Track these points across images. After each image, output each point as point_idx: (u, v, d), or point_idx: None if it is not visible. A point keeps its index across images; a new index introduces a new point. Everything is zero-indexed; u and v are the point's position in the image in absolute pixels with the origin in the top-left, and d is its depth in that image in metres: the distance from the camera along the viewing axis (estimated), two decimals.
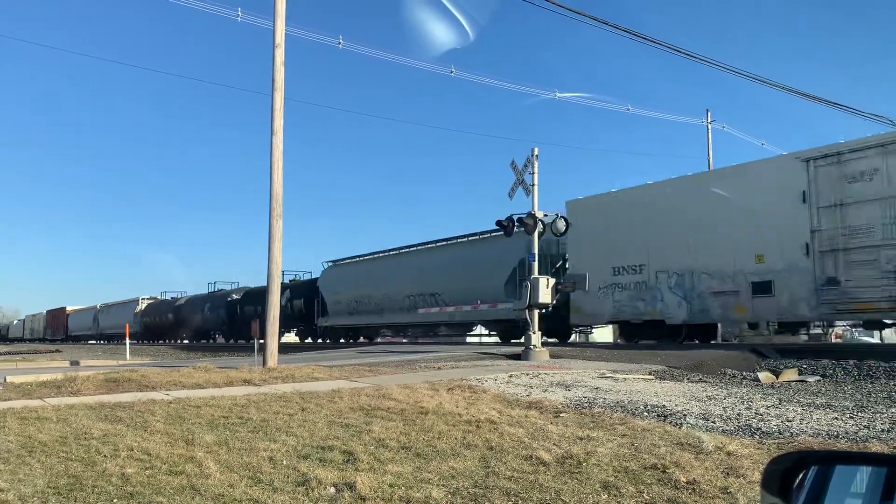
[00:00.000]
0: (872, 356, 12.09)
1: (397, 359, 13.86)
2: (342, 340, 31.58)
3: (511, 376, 10.06)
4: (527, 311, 13.59)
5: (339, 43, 23.57)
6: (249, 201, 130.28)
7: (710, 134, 31.46)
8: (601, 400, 7.70)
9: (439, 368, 11.55)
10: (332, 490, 4.21)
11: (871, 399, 8.31)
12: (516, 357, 13.49)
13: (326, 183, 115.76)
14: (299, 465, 4.72)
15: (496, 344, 21.56)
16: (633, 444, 5.24)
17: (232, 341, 37.35)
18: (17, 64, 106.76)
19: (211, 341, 39.78)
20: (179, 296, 44.94)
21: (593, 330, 24.38)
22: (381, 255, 30.25)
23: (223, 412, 6.92)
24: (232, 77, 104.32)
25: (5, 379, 10.53)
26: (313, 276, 34.82)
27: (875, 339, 21.75)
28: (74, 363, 21.29)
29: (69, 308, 59.94)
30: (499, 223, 14.67)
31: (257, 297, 32.58)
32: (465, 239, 25.64)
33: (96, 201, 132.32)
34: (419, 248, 28.00)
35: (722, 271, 15.53)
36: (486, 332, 25.23)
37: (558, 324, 19.98)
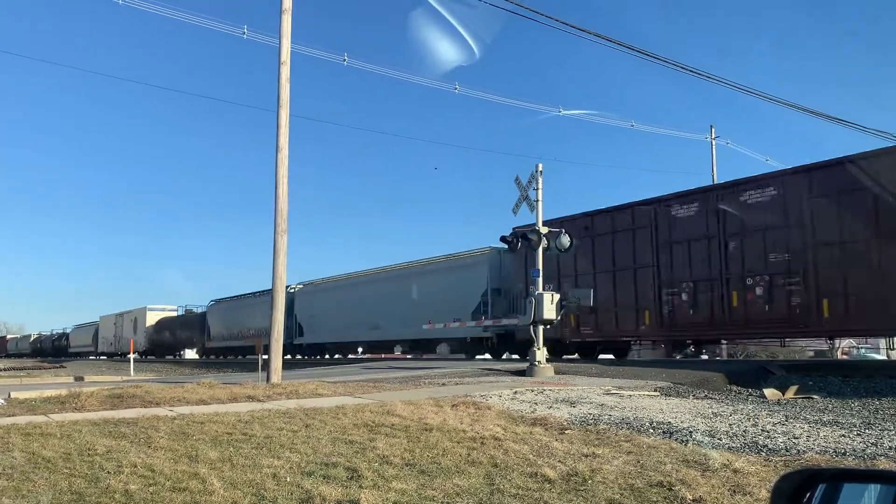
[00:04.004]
0: (879, 373, 12.06)
1: (402, 375, 13.81)
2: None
3: (516, 392, 10.02)
4: (531, 326, 13.55)
5: (345, 59, 23.71)
6: (251, 217, 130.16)
7: (713, 149, 31.55)
8: (606, 416, 7.66)
9: (443, 384, 11.51)
10: None
11: (879, 416, 8.25)
12: (521, 373, 13.43)
13: (323, 199, 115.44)
14: (303, 482, 4.70)
15: (501, 360, 21.52)
16: (638, 462, 5.21)
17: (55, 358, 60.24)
18: (30, 79, 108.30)
19: (50, 358, 62.88)
20: (51, 333, 73.45)
21: None
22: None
23: (227, 428, 6.90)
24: (237, 93, 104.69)
25: (9, 395, 10.53)
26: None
27: (882, 357, 21.64)
28: (79, 379, 21.21)
29: (8, 336, 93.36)
30: (503, 239, 14.67)
31: (61, 336, 67.19)
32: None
33: (102, 212, 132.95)
34: None
35: None
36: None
37: None
